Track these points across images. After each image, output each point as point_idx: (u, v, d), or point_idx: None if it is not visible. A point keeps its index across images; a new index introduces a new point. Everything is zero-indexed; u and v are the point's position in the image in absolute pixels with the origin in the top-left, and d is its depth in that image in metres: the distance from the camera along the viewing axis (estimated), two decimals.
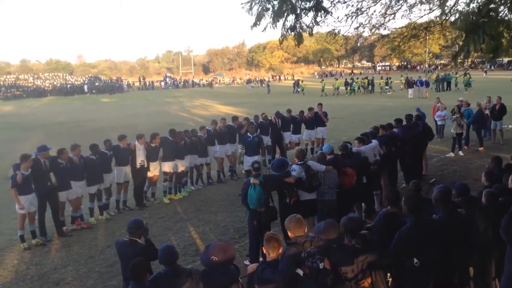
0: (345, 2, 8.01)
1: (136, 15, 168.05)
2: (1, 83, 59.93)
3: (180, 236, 7.58)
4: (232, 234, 7.56)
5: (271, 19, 6.56)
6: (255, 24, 6.64)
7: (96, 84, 63.37)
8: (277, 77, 76.30)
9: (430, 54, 64.61)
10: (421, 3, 8.85)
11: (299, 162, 6.47)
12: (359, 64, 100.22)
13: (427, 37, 12.47)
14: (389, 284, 4.11)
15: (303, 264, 3.51)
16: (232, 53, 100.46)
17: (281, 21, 6.77)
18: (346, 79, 42.08)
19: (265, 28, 6.75)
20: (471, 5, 5.24)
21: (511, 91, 25.92)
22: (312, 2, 6.70)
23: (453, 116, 12.34)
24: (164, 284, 3.48)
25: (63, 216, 8.08)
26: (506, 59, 72.33)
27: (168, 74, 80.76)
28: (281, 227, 5.80)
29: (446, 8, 7.17)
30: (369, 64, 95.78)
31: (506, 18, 5.02)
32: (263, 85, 57.98)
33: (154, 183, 9.70)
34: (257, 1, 6.55)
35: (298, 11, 6.74)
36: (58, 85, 62.01)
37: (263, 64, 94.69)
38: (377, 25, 9.20)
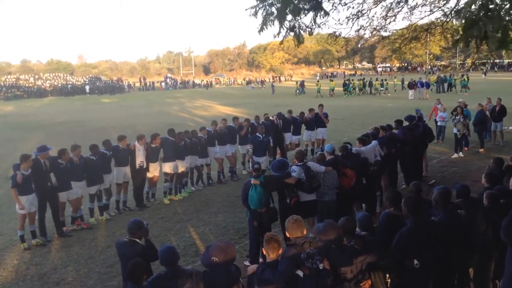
0: (346, 4, 8.01)
1: (136, 15, 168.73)
2: (2, 83, 59.98)
3: (180, 237, 7.58)
4: (232, 235, 7.55)
5: (277, 21, 6.61)
6: (261, 29, 6.70)
7: (97, 84, 63.41)
8: (277, 78, 76.28)
9: (431, 56, 64.61)
10: (423, 5, 8.85)
11: (298, 163, 6.48)
12: (359, 65, 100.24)
13: (428, 39, 12.47)
14: (388, 285, 4.12)
15: (303, 265, 3.51)
16: (232, 54, 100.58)
17: (283, 21, 6.80)
18: (344, 81, 42.01)
19: (278, 33, 6.91)
20: (473, 7, 5.26)
21: (511, 93, 25.91)
22: (312, 2, 6.70)
23: (456, 118, 12.33)
24: (164, 285, 3.46)
25: (63, 216, 8.08)
26: (506, 61, 72.38)
27: (169, 75, 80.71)
28: (281, 228, 5.80)
29: (447, 10, 7.19)
30: (370, 65, 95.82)
31: (507, 17, 5.05)
32: (264, 86, 58.01)
33: (154, 184, 9.71)
34: (261, 6, 6.57)
35: (298, 11, 6.75)
36: (59, 85, 62.06)
37: (263, 65, 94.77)
38: (378, 27, 9.20)
